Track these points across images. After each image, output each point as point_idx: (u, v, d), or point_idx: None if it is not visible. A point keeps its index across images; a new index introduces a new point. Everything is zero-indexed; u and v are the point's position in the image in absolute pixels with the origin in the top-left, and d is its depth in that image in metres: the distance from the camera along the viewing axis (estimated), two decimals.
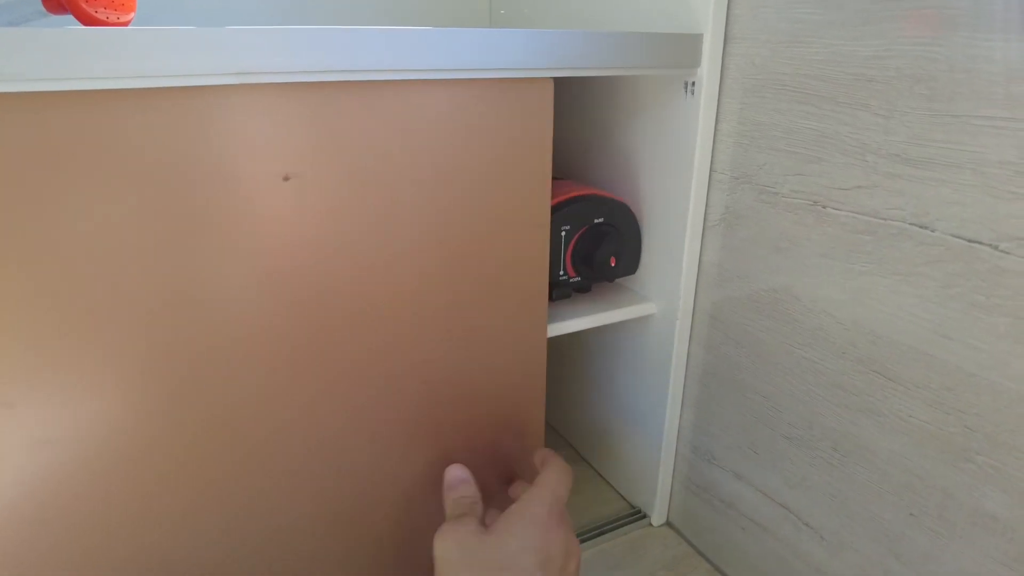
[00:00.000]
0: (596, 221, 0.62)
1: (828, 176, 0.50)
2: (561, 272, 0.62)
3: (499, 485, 0.61)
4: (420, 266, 0.50)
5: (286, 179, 0.43)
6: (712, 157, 0.59)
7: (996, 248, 0.41)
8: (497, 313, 0.55)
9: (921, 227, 0.44)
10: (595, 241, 0.61)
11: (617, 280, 0.70)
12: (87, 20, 0.45)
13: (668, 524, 0.74)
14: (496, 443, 0.61)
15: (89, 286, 0.41)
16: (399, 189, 0.47)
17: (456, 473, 0.54)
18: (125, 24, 0.47)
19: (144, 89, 0.38)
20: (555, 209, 0.60)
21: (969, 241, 0.42)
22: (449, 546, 0.47)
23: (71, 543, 0.45)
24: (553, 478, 0.52)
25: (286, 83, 0.41)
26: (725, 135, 0.58)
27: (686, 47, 0.55)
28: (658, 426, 0.70)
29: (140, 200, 0.40)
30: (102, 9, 0.47)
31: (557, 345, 0.84)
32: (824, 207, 0.51)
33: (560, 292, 0.63)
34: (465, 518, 0.49)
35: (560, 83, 0.51)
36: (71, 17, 0.49)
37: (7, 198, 0.37)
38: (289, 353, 0.48)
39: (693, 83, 0.57)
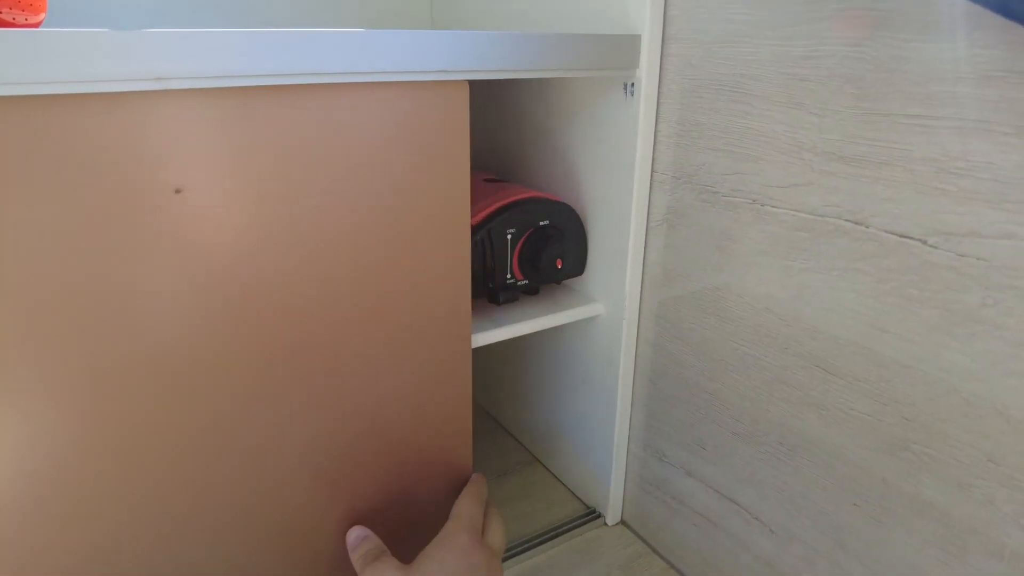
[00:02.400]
0: (541, 224, 0.61)
1: (766, 175, 0.51)
2: (508, 276, 0.61)
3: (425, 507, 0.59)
4: (331, 276, 0.48)
5: (178, 191, 0.41)
6: (653, 157, 0.60)
7: (925, 243, 0.42)
8: (417, 325, 0.53)
9: (856, 223, 0.45)
10: (541, 243, 0.61)
11: (564, 282, 0.70)
12: None
13: (623, 523, 0.75)
14: (422, 468, 0.59)
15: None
16: (308, 197, 0.45)
17: (356, 534, 0.54)
18: (35, 26, 0.45)
19: (55, 95, 0.36)
20: (499, 212, 0.60)
21: (901, 236, 0.43)
22: None
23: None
24: (468, 505, 0.55)
25: (203, 88, 0.39)
26: (665, 135, 0.58)
27: (624, 48, 0.55)
28: (609, 425, 0.70)
29: (53, 210, 0.38)
30: (7, 10, 0.44)
31: (508, 347, 0.84)
32: (763, 205, 0.51)
33: (507, 296, 0.63)
34: (382, 559, 0.51)
35: (499, 85, 0.50)
36: None
37: None
38: (191, 369, 0.45)
39: (632, 84, 0.57)
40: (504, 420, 0.93)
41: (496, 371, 0.91)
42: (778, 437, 0.54)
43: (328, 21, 0.83)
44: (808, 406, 0.51)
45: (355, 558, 0.53)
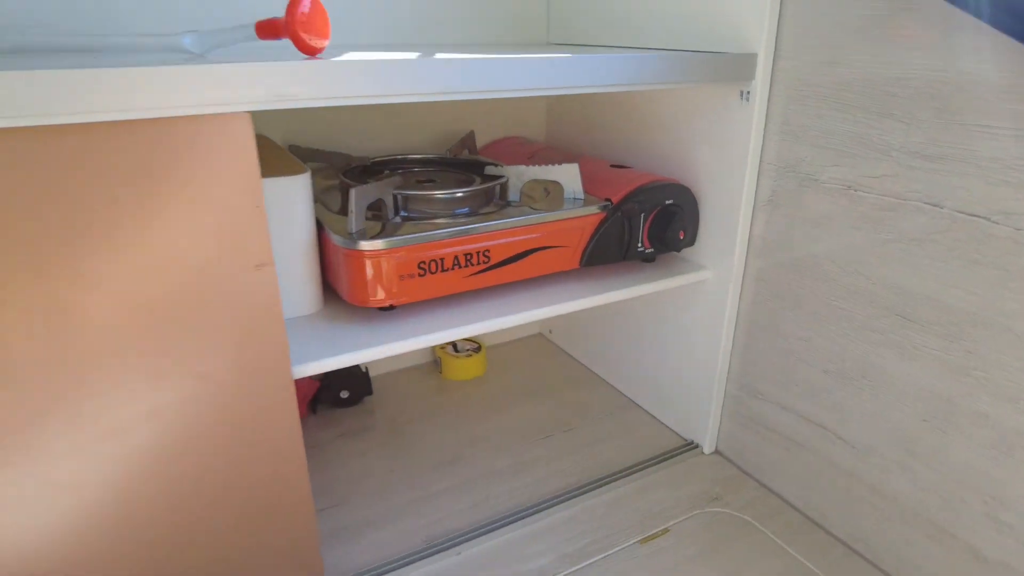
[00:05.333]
0: (667, 203, 0.77)
1: (859, 167, 0.65)
2: (639, 245, 0.77)
3: None
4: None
5: None
6: (762, 150, 0.74)
7: (989, 220, 0.56)
8: (229, 357, 0.54)
9: (933, 205, 0.60)
10: (667, 219, 0.76)
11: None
12: (301, 46, 0.59)
13: (718, 452, 0.90)
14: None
15: None
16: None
17: None
18: (323, 49, 0.61)
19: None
20: (635, 193, 0.75)
21: (970, 215, 0.58)
22: None
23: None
24: None
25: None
26: (773, 133, 0.73)
27: (743, 64, 0.70)
28: (711, 370, 0.85)
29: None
30: (309, 33, 0.60)
31: (611, 308, 1.00)
32: (856, 191, 0.66)
33: (634, 257, 0.78)
34: None
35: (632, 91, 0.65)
36: (278, 43, 0.62)
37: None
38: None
39: (748, 92, 0.72)
40: (606, 373, 1.09)
41: (595, 330, 1.07)
42: (861, 371, 0.69)
43: (455, 37, 0.98)
44: (888, 346, 0.66)
45: None
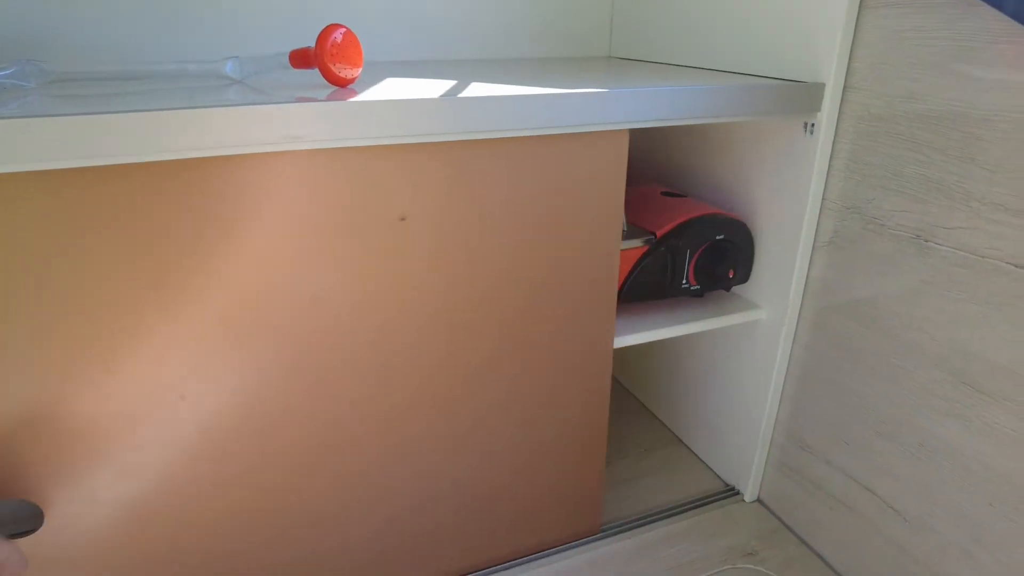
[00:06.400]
0: (718, 238, 0.72)
1: (932, 215, 0.58)
2: (684, 282, 0.72)
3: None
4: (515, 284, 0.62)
5: (402, 219, 0.55)
6: (825, 187, 0.68)
7: None
8: (565, 326, 0.66)
9: (1017, 266, 0.53)
10: (717, 256, 0.71)
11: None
12: (330, 77, 0.57)
13: (759, 501, 0.85)
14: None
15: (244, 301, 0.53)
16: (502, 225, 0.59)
17: None
18: (354, 79, 0.59)
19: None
20: (683, 227, 0.70)
21: None
22: None
23: (227, 505, 0.60)
24: None
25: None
26: (838, 170, 0.67)
27: (809, 95, 0.64)
28: (758, 414, 0.80)
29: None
30: (340, 64, 0.58)
31: (664, 343, 0.95)
32: (926, 241, 0.59)
33: (677, 294, 0.73)
34: None
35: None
36: (309, 72, 0.61)
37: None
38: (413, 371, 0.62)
39: (812, 124, 0.66)
40: (651, 404, 1.04)
41: (648, 362, 1.02)
42: (920, 440, 0.63)
43: (517, 52, 0.95)
44: (953, 416, 0.59)
45: None
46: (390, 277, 0.57)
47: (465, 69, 0.75)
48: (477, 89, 0.56)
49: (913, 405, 0.63)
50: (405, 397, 0.62)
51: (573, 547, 0.78)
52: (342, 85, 0.58)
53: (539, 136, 0.57)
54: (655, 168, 0.91)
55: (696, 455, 0.94)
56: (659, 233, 0.70)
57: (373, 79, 0.64)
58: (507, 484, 0.72)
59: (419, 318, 0.59)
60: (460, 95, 0.52)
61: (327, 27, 0.56)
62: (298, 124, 0.48)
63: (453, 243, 0.58)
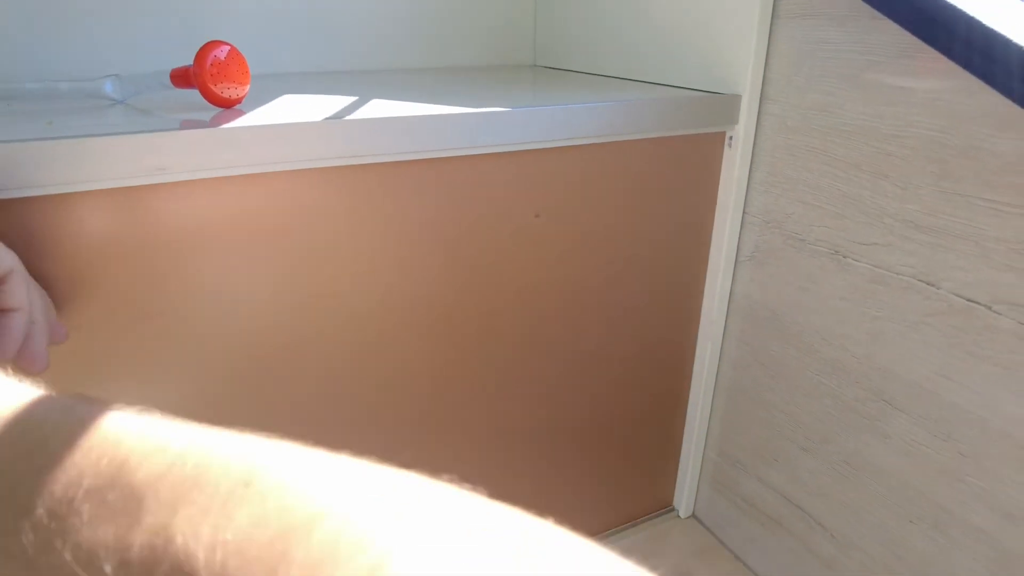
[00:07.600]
0: None
1: (849, 231, 0.57)
2: None
3: None
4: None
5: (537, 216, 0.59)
6: (745, 201, 0.67)
7: (990, 309, 0.48)
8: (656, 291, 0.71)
9: (928, 284, 0.52)
10: None
11: None
12: (212, 98, 0.53)
13: (694, 517, 0.83)
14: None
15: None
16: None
17: None
18: (240, 99, 0.55)
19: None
20: None
21: (968, 300, 0.49)
22: None
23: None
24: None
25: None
26: (757, 183, 0.65)
27: (727, 105, 0.62)
28: (688, 431, 0.78)
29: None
30: (222, 84, 0.54)
31: None
32: (844, 257, 0.58)
33: None
34: None
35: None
36: (192, 92, 0.56)
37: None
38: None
39: (731, 137, 0.64)
40: None
41: None
42: (844, 457, 0.62)
43: (439, 60, 0.91)
44: (873, 434, 0.59)
45: None
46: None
47: (377, 80, 0.71)
48: (374, 108, 0.52)
49: (837, 422, 0.62)
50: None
51: None
52: (226, 106, 0.53)
53: (435, 159, 0.54)
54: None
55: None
56: None
57: (270, 95, 0.60)
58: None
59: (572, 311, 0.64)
60: (349, 117, 0.48)
61: (206, 44, 0.52)
62: (165, 153, 0.43)
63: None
